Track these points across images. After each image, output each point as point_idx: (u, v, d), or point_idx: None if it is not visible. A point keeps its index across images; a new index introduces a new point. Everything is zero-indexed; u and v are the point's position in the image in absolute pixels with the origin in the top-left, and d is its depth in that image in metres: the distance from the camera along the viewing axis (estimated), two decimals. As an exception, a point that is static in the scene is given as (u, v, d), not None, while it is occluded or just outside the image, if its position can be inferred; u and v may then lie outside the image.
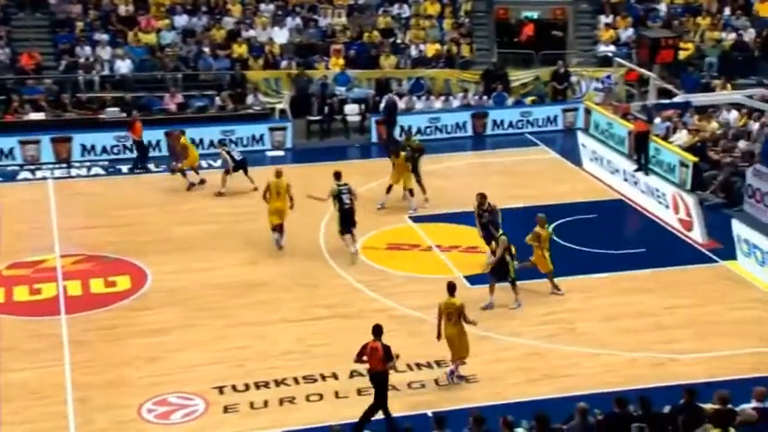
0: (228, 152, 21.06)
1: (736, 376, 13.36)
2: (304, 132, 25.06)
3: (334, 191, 17.35)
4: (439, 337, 13.33)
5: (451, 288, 13.43)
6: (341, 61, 26.56)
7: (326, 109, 25.07)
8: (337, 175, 17.51)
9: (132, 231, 18.92)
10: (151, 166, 22.70)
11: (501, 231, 15.77)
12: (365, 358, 12.38)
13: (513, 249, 15.67)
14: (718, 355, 14.17)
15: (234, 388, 13.40)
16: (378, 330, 12.35)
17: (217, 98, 25.11)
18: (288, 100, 25.69)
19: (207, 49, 26.49)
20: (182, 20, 27.68)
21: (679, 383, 12.61)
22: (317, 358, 14.15)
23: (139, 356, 14.25)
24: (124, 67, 25.72)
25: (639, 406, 11.15)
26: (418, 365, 13.88)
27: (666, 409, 11.35)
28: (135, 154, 22.71)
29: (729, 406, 10.84)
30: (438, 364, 13.84)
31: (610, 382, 13.28)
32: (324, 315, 15.53)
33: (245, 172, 20.74)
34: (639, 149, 20.30)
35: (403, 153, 19.55)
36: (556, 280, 16.19)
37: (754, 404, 11.27)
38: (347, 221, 17.30)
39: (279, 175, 17.77)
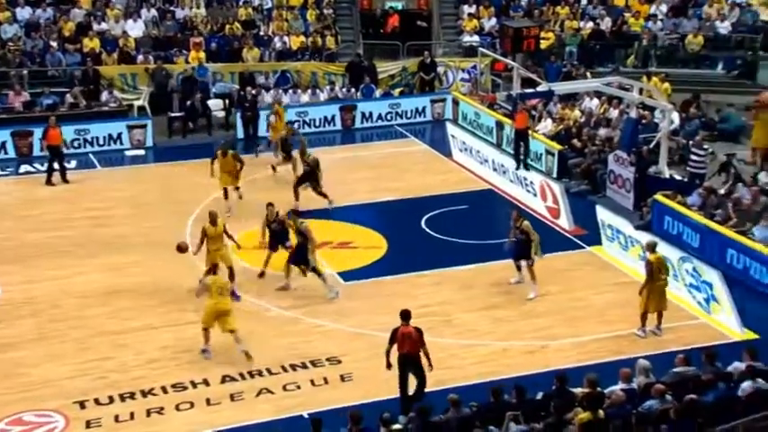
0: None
1: (603, 359, 13.64)
2: (165, 130, 24.11)
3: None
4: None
5: (213, 269, 14.35)
6: (201, 54, 25.70)
7: (189, 105, 24.19)
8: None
9: (-21, 239, 17.72)
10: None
11: (301, 219, 15.72)
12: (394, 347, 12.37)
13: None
14: (586, 340, 14.43)
15: (96, 401, 12.76)
16: (406, 315, 12.41)
17: (68, 95, 23.76)
18: (146, 96, 24.65)
19: (54, 44, 25.06)
20: (25, 12, 26.12)
21: (550, 369, 12.82)
22: (185, 365, 13.63)
23: (-10, 374, 13.35)
24: (-38, 63, 24.08)
25: (514, 394, 11.30)
26: (293, 366, 13.59)
27: (539, 395, 11.52)
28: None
29: (598, 389, 11.08)
30: (313, 363, 13.60)
31: (485, 373, 13.36)
32: (192, 320, 14.85)
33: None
34: (519, 145, 19.89)
35: (231, 152, 18.64)
36: (435, 272, 16.19)
37: (621, 385, 11.56)
38: None
39: (214, 221, 15.67)
